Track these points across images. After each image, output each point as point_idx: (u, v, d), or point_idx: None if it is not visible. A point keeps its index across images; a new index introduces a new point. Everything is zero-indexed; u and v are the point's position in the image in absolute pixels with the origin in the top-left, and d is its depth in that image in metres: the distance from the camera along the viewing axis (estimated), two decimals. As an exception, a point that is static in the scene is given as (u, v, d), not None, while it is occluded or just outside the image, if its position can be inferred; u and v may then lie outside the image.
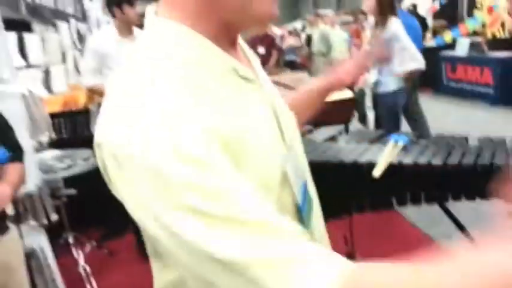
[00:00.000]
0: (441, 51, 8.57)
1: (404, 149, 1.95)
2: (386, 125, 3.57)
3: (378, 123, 4.06)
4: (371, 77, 3.59)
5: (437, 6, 10.16)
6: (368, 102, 3.73)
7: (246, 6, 0.64)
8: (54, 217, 2.80)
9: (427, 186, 1.86)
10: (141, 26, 4.00)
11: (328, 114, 1.58)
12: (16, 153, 1.70)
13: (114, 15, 3.06)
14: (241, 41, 0.79)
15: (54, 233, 2.84)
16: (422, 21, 9.84)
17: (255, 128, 0.65)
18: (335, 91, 1.16)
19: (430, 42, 9.64)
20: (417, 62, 3.45)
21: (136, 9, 3.08)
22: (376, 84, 3.59)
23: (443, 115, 6.98)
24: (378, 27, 3.45)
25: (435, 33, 10.05)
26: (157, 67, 0.60)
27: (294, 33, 13.49)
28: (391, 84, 3.51)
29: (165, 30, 0.64)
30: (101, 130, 0.58)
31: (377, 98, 3.78)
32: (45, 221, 2.75)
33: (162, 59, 0.61)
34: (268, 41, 7.25)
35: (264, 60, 7.22)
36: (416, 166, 1.81)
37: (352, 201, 2.03)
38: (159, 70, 0.59)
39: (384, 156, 1.84)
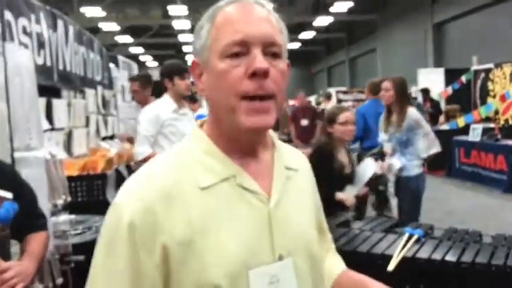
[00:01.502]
0: (454, 135, 8.67)
1: (418, 241, 1.95)
2: (408, 210, 3.59)
3: (400, 210, 3.97)
4: (396, 163, 3.62)
5: (449, 91, 10.44)
6: (391, 188, 3.72)
7: (234, 121, 0.77)
8: (59, 281, 2.77)
9: (440, 283, 1.83)
10: (191, 97, 4.11)
11: None
12: (41, 222, 1.72)
13: (166, 87, 3.30)
14: (283, 160, 0.87)
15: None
16: (435, 105, 10.08)
17: (211, 232, 0.74)
18: None
19: (443, 125, 9.78)
20: (437, 146, 3.63)
21: (186, 81, 3.29)
22: (401, 169, 3.65)
23: (455, 199, 6.92)
24: (398, 117, 3.60)
25: (448, 117, 10.23)
26: (161, 167, 0.80)
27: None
28: (414, 169, 3.59)
29: (195, 139, 0.84)
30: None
31: (399, 183, 3.72)
32: (50, 285, 2.72)
33: (170, 163, 0.80)
34: (310, 113, 7.47)
35: (308, 131, 7.40)
36: (430, 261, 1.79)
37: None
38: (158, 171, 0.79)
39: (398, 250, 1.84)
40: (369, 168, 3.10)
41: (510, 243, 1.91)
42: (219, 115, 0.80)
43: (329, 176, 2.55)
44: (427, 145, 3.61)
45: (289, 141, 8.38)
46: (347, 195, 2.84)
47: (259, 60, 0.75)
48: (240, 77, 0.76)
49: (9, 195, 1.47)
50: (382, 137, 3.79)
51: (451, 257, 1.77)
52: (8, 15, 2.92)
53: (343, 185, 2.89)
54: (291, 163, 0.88)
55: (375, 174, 3.35)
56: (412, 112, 3.59)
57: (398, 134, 3.59)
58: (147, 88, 3.88)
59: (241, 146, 0.81)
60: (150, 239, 0.72)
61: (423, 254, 1.83)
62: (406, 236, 1.97)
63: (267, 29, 0.79)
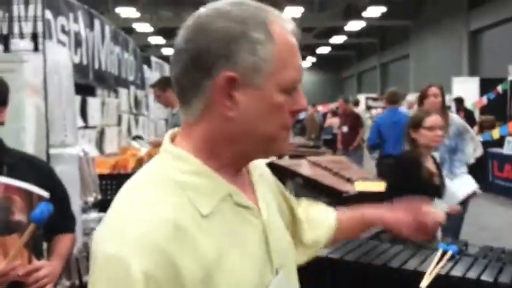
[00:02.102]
0: (488, 147, 8.42)
1: (453, 258, 1.89)
2: (451, 228, 3.14)
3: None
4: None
5: (484, 101, 10.15)
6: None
7: (270, 147, 0.76)
8: (86, 278, 2.82)
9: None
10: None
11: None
12: (71, 224, 1.73)
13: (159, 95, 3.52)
14: (256, 165, 0.85)
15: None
16: (469, 115, 9.82)
17: (224, 261, 0.68)
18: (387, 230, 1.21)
19: (477, 137, 9.51)
20: (481, 148, 3.61)
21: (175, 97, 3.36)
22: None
23: (488, 214, 6.71)
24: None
25: (482, 128, 9.94)
26: (151, 195, 0.68)
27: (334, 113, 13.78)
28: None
29: (177, 159, 0.73)
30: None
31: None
32: (77, 282, 2.77)
33: (158, 186, 0.70)
34: (352, 120, 7.46)
35: (347, 138, 7.39)
36: (464, 280, 1.73)
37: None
38: (151, 197, 0.68)
39: (432, 267, 1.78)
40: (467, 184, 3.03)
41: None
42: (245, 140, 0.73)
43: (417, 187, 2.25)
44: (473, 148, 3.56)
45: (315, 146, 8.32)
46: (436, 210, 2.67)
47: (304, 100, 0.77)
48: (288, 111, 0.75)
49: (46, 194, 1.49)
50: None
51: (487, 277, 1.71)
52: (48, 15, 2.99)
53: (431, 198, 2.46)
54: (256, 169, 0.86)
55: (474, 193, 3.28)
56: (455, 117, 3.53)
57: (447, 141, 3.41)
58: (167, 90, 3.92)
59: (236, 166, 0.78)
60: (171, 285, 0.62)
61: (457, 272, 1.77)
62: (440, 252, 1.91)
63: None
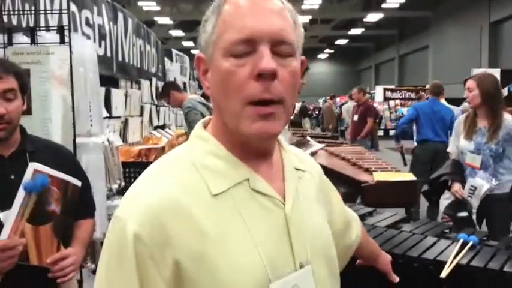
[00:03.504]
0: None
1: (473, 248, 1.89)
2: (499, 231, 2.94)
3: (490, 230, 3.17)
4: (483, 184, 3.03)
5: (505, 93, 9.96)
6: (474, 216, 3.04)
7: (238, 127, 0.71)
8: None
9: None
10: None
11: (388, 195, 1.61)
12: (91, 210, 1.77)
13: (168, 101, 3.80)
14: (300, 160, 0.84)
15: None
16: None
17: (226, 243, 0.68)
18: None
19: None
20: None
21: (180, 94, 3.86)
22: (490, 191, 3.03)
23: None
24: (490, 124, 3.03)
25: (503, 119, 9.78)
26: (169, 172, 0.72)
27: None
28: (509, 185, 2.99)
29: (200, 140, 0.76)
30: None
31: (489, 202, 3.04)
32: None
33: (178, 166, 0.73)
34: (364, 109, 7.43)
35: (356, 127, 7.38)
36: (486, 270, 1.74)
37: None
38: (168, 176, 0.72)
39: (452, 256, 1.79)
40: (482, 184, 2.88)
41: None
42: (224, 117, 0.74)
43: None
44: None
45: (332, 137, 8.33)
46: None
47: (266, 61, 0.68)
48: (245, 79, 0.69)
49: (79, 183, 1.54)
50: (463, 145, 3.14)
51: (509, 268, 1.71)
52: (72, 7, 3.06)
53: None
54: (298, 164, 0.84)
55: (485, 194, 2.95)
56: (509, 119, 3.02)
57: (494, 145, 2.99)
58: (170, 92, 4.04)
59: (251, 149, 0.75)
60: (160, 254, 0.66)
61: (479, 262, 1.77)
62: (461, 242, 1.91)
63: (277, 25, 0.70)
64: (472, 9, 16.13)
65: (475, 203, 3.01)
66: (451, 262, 1.77)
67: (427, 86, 13.38)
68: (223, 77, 0.70)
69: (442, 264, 1.77)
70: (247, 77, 0.69)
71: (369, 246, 1.27)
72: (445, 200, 3.18)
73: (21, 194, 1.39)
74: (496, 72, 11.26)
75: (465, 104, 8.95)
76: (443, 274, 1.72)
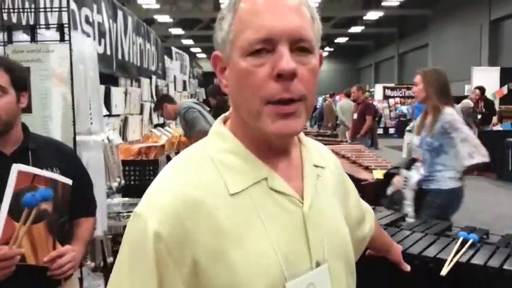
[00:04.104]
0: (508, 137, 8.31)
1: (473, 246, 1.90)
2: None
3: None
4: (412, 175, 3.07)
5: (505, 90, 9.98)
6: (409, 208, 3.03)
7: (258, 125, 0.70)
8: (110, 260, 2.90)
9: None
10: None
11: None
12: (93, 208, 1.77)
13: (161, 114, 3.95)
14: (321, 157, 0.83)
15: (109, 276, 2.93)
16: (489, 105, 9.67)
17: (244, 242, 0.68)
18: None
19: (496, 126, 9.39)
20: (482, 156, 3.01)
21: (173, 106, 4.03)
22: (422, 181, 3.05)
23: (505, 203, 6.65)
24: (431, 118, 3.05)
25: (501, 118, 9.79)
26: (188, 169, 0.73)
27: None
28: (446, 182, 3.00)
29: (219, 137, 0.76)
30: None
31: (424, 197, 3.05)
32: (101, 263, 2.85)
33: (197, 165, 0.73)
34: (363, 107, 7.43)
35: (357, 125, 7.39)
36: (486, 268, 1.74)
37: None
38: (187, 172, 0.72)
39: (452, 254, 1.80)
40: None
41: None
42: (243, 115, 0.73)
43: None
44: (468, 153, 2.97)
45: (333, 135, 8.35)
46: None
47: (285, 61, 0.67)
48: (265, 79, 0.68)
49: (70, 182, 1.53)
50: (413, 140, 3.24)
51: (509, 266, 1.71)
52: (72, 5, 3.05)
53: None
54: (318, 160, 0.83)
55: (415, 185, 2.99)
56: (447, 112, 2.99)
57: (430, 139, 3.00)
58: (163, 104, 4.12)
59: (270, 147, 0.74)
60: (179, 251, 0.66)
61: (479, 260, 1.78)
62: (460, 240, 1.92)
63: (295, 22, 0.69)
64: (472, 8, 16.12)
65: (409, 194, 3.04)
66: (451, 260, 1.78)
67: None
68: (242, 77, 0.69)
69: (442, 262, 1.77)
70: (266, 77, 0.68)
71: (382, 237, 1.28)
72: (389, 191, 3.23)
73: (8, 194, 1.38)
74: (496, 71, 11.30)
75: (464, 102, 9.03)
76: (444, 272, 1.73)
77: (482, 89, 9.47)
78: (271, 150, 0.75)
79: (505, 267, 1.71)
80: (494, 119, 9.83)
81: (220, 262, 0.66)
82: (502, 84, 10.35)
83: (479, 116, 9.24)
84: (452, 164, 3.01)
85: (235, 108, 0.75)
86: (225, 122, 0.80)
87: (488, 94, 9.86)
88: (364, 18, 20.12)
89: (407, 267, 1.42)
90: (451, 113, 3.02)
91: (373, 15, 19.29)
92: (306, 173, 0.78)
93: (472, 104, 8.90)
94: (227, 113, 0.81)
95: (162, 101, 4.22)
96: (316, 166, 0.82)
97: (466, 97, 9.55)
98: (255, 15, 0.69)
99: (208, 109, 4.39)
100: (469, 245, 1.89)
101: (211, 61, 0.77)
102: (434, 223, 2.37)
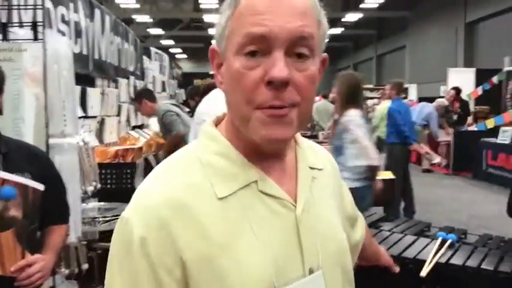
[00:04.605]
0: (482, 137, 8.50)
1: (452, 246, 1.91)
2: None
3: None
4: None
5: (479, 91, 10.19)
6: None
7: (248, 131, 0.67)
8: (85, 267, 2.83)
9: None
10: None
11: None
12: (66, 215, 1.72)
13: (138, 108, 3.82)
14: (307, 159, 0.78)
15: (84, 283, 2.85)
16: (464, 106, 9.86)
17: (233, 248, 0.65)
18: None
19: (471, 127, 9.58)
20: (368, 158, 3.09)
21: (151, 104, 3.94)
22: None
23: (480, 202, 6.79)
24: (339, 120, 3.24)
25: (476, 118, 10.00)
26: (176, 173, 0.70)
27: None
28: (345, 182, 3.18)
29: (209, 139, 0.73)
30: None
31: None
32: (76, 270, 2.78)
33: (185, 169, 0.70)
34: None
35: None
36: (465, 269, 1.75)
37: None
38: (174, 175, 0.70)
39: (432, 255, 1.80)
40: None
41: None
42: (234, 118, 0.71)
43: None
44: (355, 154, 3.09)
45: (313, 136, 8.39)
46: None
47: (278, 68, 0.63)
48: (256, 83, 0.64)
49: (41, 187, 1.48)
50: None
51: (487, 266, 1.73)
52: (48, 3, 2.97)
53: None
54: (315, 162, 0.79)
55: None
56: (348, 114, 3.12)
57: (333, 140, 3.20)
58: (142, 101, 4.03)
59: (262, 150, 0.70)
60: (167, 256, 0.64)
61: (457, 260, 1.79)
62: (439, 240, 1.93)
63: (296, 23, 0.64)
64: (448, 10, 16.42)
65: None
66: (431, 261, 1.78)
67: (406, 86, 13.57)
68: (234, 77, 0.66)
69: (422, 262, 1.78)
70: (257, 81, 0.64)
71: (372, 246, 1.22)
72: None
73: None
74: (471, 72, 11.52)
75: (438, 100, 9.22)
76: (423, 273, 1.73)
77: (457, 90, 9.66)
78: (264, 153, 0.71)
79: (482, 266, 1.73)
80: (469, 119, 10.04)
81: (208, 268, 0.64)
82: (477, 85, 10.56)
83: (455, 117, 9.42)
84: (347, 163, 3.11)
85: (228, 108, 0.72)
86: (218, 123, 0.77)
87: (464, 95, 10.06)
88: (343, 20, 20.30)
89: (397, 269, 1.40)
90: (351, 115, 3.12)
91: (352, 17, 19.47)
92: (300, 175, 0.75)
93: (446, 103, 9.10)
94: (220, 114, 0.78)
95: (141, 96, 4.11)
96: (312, 168, 0.79)
97: (441, 98, 9.72)
98: (255, 12, 0.65)
99: (188, 110, 4.32)
100: (448, 245, 1.90)
101: (209, 55, 0.74)
102: (413, 223, 2.39)
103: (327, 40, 0.75)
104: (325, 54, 0.75)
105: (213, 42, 0.75)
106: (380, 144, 7.68)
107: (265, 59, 0.65)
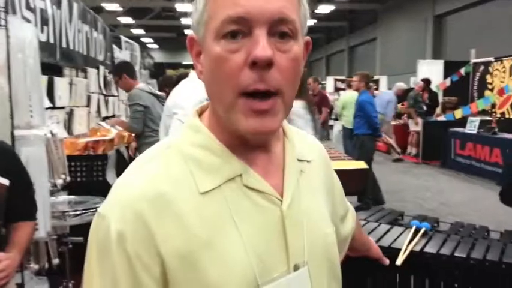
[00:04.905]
0: (450, 127, 8.72)
1: (426, 235, 1.94)
2: None
3: None
4: None
5: (448, 83, 10.43)
6: None
7: (232, 121, 0.65)
8: (56, 262, 2.75)
9: (448, 278, 1.82)
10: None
11: (342, 183, 1.59)
12: (33, 211, 1.67)
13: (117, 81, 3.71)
14: (295, 152, 0.76)
15: (54, 279, 2.78)
16: (433, 96, 10.08)
17: (215, 244, 0.63)
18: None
19: (440, 117, 9.82)
20: None
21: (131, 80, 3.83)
22: None
23: (449, 190, 6.98)
24: None
25: (445, 109, 10.25)
26: (157, 167, 0.67)
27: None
28: None
29: (192, 130, 0.70)
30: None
31: None
32: (46, 266, 2.70)
33: (165, 165, 0.67)
34: (319, 99, 7.47)
35: None
36: (439, 256, 1.78)
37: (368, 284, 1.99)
38: (155, 169, 0.66)
39: (406, 244, 1.82)
40: None
41: (519, 241, 1.90)
42: (216, 108, 0.67)
43: None
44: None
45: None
46: None
47: (261, 47, 0.60)
48: (239, 67, 0.61)
49: (6, 182, 1.42)
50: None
51: (460, 253, 1.76)
52: (10, -11, 2.83)
53: None
54: (304, 153, 0.77)
55: None
56: (295, 105, 3.46)
57: None
58: (122, 75, 3.86)
59: (247, 142, 0.68)
60: (146, 251, 0.61)
61: (431, 248, 1.82)
62: (413, 229, 1.95)
63: (276, 5, 0.61)
64: (418, 3, 16.70)
65: None
66: (406, 249, 1.80)
67: (376, 78, 13.75)
68: (215, 63, 0.63)
69: (397, 251, 1.80)
70: (240, 64, 0.62)
71: (361, 237, 1.21)
72: None
73: None
74: (440, 64, 11.78)
75: (397, 85, 9.44)
76: (399, 261, 1.74)
77: (427, 81, 9.86)
78: (249, 145, 0.69)
79: (456, 254, 1.76)
80: (438, 110, 10.28)
81: (188, 265, 0.62)
82: (445, 77, 10.80)
83: (424, 107, 9.63)
84: None
85: (210, 98, 0.69)
86: (202, 113, 0.74)
87: (433, 86, 10.28)
88: (316, 11, 20.36)
89: (387, 262, 1.38)
90: (294, 106, 3.33)
91: (324, 8, 19.55)
92: (288, 168, 0.73)
93: (405, 86, 9.41)
94: (204, 104, 0.75)
95: (121, 69, 3.92)
96: (300, 160, 0.76)
97: (412, 89, 9.90)
98: None
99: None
100: (422, 233, 1.93)
101: (187, 44, 0.71)
102: (387, 212, 2.42)
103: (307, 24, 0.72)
104: (308, 37, 0.72)
105: (188, 32, 0.71)
106: (345, 133, 7.86)
107: (246, 41, 0.62)
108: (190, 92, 2.52)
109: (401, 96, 9.29)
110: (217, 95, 0.65)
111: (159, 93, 3.86)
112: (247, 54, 0.61)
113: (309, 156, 0.79)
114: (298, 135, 0.81)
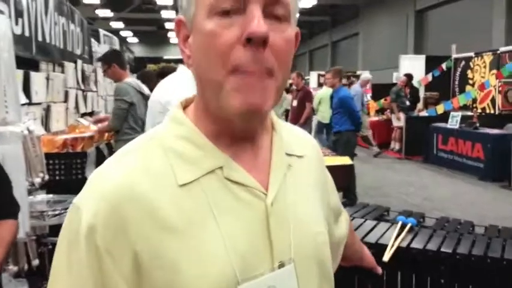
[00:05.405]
0: (432, 122, 8.81)
1: (412, 230, 1.93)
2: None
3: None
4: None
5: (429, 78, 10.54)
6: None
7: (219, 101, 0.62)
8: (35, 263, 2.68)
9: (434, 273, 1.82)
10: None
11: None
12: (12, 210, 1.61)
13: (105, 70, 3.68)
14: (284, 145, 0.72)
15: (34, 280, 2.71)
16: (415, 92, 10.18)
17: (191, 237, 0.60)
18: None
19: (422, 112, 9.92)
20: None
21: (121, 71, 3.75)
22: None
23: (432, 185, 7.06)
24: None
25: (426, 104, 10.35)
26: (132, 162, 0.64)
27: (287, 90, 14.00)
28: None
29: (174, 122, 0.68)
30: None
31: None
32: (26, 267, 2.62)
33: (145, 159, 0.64)
34: (302, 94, 7.45)
35: (296, 112, 7.40)
36: (425, 252, 1.77)
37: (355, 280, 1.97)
38: (130, 163, 0.64)
39: (393, 240, 1.81)
40: None
41: (504, 236, 1.91)
42: (204, 92, 0.64)
43: None
44: None
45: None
46: None
47: (256, 23, 0.57)
48: (232, 43, 0.59)
49: None
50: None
51: (446, 248, 1.76)
52: (-18, -21, 2.72)
53: None
54: (293, 148, 0.74)
55: None
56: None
57: None
58: (112, 64, 3.74)
59: (234, 130, 0.65)
60: (117, 246, 0.59)
61: (418, 244, 1.81)
62: (399, 224, 1.94)
63: None
64: (399, -2, 16.84)
65: None
66: (392, 245, 1.79)
67: (358, 73, 13.83)
68: (206, 40, 0.60)
69: (384, 247, 1.78)
70: (233, 40, 0.59)
71: (354, 244, 1.13)
72: None
73: None
74: (421, 59, 11.89)
75: (362, 76, 9.57)
76: (386, 258, 1.73)
77: (410, 76, 9.94)
78: (234, 137, 0.66)
79: (442, 249, 1.75)
80: (419, 105, 10.38)
81: (163, 260, 0.59)
82: (427, 72, 10.91)
83: (407, 102, 9.71)
84: None
85: (199, 86, 0.66)
86: (187, 105, 0.71)
87: (415, 81, 10.37)
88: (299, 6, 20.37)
89: (380, 271, 1.30)
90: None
91: (306, 3, 19.55)
92: (274, 162, 0.69)
93: (370, 77, 9.69)
94: (190, 96, 0.72)
95: (112, 58, 3.80)
96: (289, 155, 0.73)
97: (394, 84, 9.97)
98: None
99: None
100: (408, 229, 1.91)
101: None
102: (372, 208, 2.40)
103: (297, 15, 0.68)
104: (298, 28, 0.69)
105: (168, 25, 0.66)
106: (320, 128, 7.87)
107: (240, 18, 0.59)
108: (185, 86, 2.46)
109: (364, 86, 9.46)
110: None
111: (145, 90, 3.74)
112: (241, 30, 0.58)
113: (300, 151, 0.75)
114: (288, 128, 0.78)
